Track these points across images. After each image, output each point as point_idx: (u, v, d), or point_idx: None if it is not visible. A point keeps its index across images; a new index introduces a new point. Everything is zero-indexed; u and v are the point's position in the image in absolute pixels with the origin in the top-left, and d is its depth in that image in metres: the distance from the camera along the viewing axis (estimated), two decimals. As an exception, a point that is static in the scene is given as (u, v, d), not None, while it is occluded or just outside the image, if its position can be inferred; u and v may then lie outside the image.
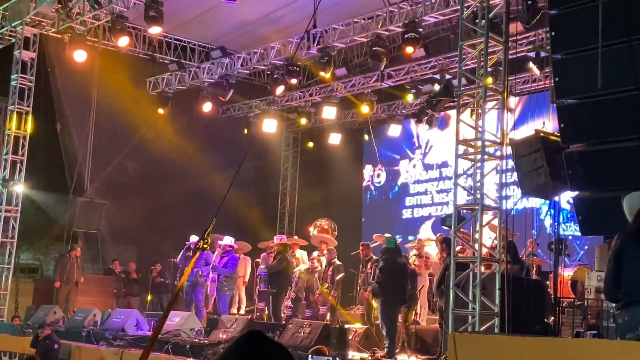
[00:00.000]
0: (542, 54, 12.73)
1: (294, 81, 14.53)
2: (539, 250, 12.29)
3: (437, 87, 14.53)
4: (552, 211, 9.87)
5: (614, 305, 7.26)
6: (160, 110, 16.93)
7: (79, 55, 14.51)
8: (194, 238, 13.75)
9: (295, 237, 15.64)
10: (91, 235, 16.49)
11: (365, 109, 16.72)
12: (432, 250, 13.04)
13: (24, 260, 17.25)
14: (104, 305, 14.47)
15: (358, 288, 12.52)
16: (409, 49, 12.75)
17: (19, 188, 15.14)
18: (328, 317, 12.97)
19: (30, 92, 15.29)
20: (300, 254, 14.44)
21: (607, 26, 6.47)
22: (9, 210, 15.05)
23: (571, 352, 4.69)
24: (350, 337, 10.48)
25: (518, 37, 10.75)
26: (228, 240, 13.81)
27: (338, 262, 13.20)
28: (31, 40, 15.22)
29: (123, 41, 14.23)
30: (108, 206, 16.22)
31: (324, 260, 13.73)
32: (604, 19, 6.45)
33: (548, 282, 10.14)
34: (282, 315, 13.08)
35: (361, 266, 12.74)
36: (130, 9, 13.85)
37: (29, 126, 15.25)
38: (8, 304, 14.92)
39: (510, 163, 9.38)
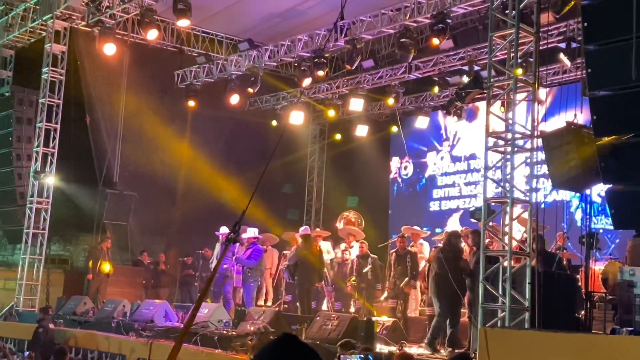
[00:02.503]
0: (573, 45, 12.53)
1: (320, 73, 14.49)
2: (570, 244, 12.13)
3: (465, 78, 14.39)
4: (583, 204, 9.72)
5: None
6: (191, 103, 17.00)
7: (108, 49, 14.65)
8: (223, 229, 13.83)
9: (318, 229, 15.65)
10: (120, 226, 16.66)
11: (391, 101, 16.68)
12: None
13: (54, 251, 17.48)
14: (133, 297, 14.62)
15: (394, 280, 12.39)
16: (437, 41, 12.65)
17: (50, 180, 15.33)
18: (353, 310, 12.97)
19: (60, 85, 15.46)
20: (325, 245, 14.45)
21: (642, 16, 6.34)
22: (40, 202, 15.25)
23: (607, 349, 4.61)
24: (377, 330, 10.45)
25: (549, 28, 10.59)
26: (251, 232, 13.84)
27: (374, 256, 13.20)
28: (61, 34, 15.38)
29: (152, 34, 14.32)
30: (137, 198, 16.36)
31: (352, 252, 13.74)
32: (638, 8, 6.32)
33: (579, 276, 10.00)
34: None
35: (395, 257, 12.61)
36: (158, 2, 13.94)
37: (60, 119, 15.44)
38: (40, 294, 15.15)
39: (541, 155, 9.26)
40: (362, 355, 6.48)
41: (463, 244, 10.93)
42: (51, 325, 12.40)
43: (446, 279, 10.03)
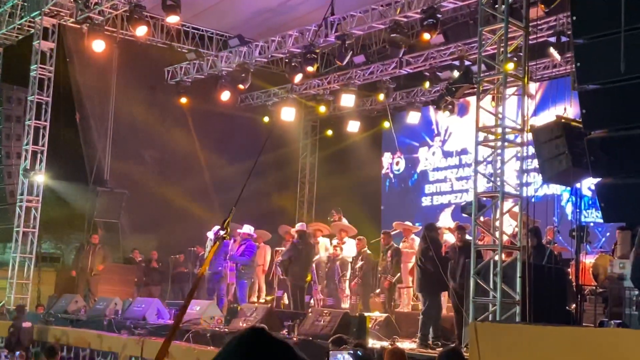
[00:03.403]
0: (563, 39, 12.56)
1: (310, 69, 14.46)
2: (560, 238, 12.18)
3: (456, 73, 14.40)
4: (574, 198, 9.75)
5: (637, 292, 7.17)
6: (183, 100, 16.93)
7: (98, 45, 14.58)
8: (216, 229, 13.79)
9: (319, 224, 15.61)
10: (111, 224, 16.60)
11: (382, 96, 16.70)
12: (451, 238, 12.96)
13: (45, 249, 17.44)
14: (125, 294, 14.57)
15: (379, 276, 12.49)
16: (428, 36, 12.65)
17: (40, 178, 15.26)
18: (347, 306, 12.97)
19: (49, 83, 15.38)
20: (324, 241, 14.46)
21: (630, 9, 6.34)
22: (30, 201, 15.19)
23: (595, 342, 4.63)
24: (370, 326, 10.46)
25: (538, 22, 10.60)
26: (247, 228, 13.83)
27: (368, 252, 13.22)
28: (50, 31, 15.30)
29: (141, 31, 14.25)
30: (128, 195, 16.31)
31: (345, 248, 13.73)
32: (626, 1, 6.32)
33: (569, 270, 10.04)
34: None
35: (382, 254, 12.72)
36: (147, -2, 13.87)
37: (49, 116, 15.36)
38: (31, 293, 15.10)
39: (531, 150, 9.28)
40: (352, 351, 6.47)
41: (453, 238, 10.94)
42: (26, 324, 12.40)
43: (428, 273, 10.06)
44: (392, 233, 13.04)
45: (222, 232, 4.43)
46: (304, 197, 20.47)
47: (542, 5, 10.80)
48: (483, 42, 9.21)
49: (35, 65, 15.21)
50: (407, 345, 10.19)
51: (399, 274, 12.33)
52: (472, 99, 16.65)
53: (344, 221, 14.57)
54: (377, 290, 12.86)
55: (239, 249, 13.73)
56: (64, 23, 15.32)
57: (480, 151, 9.12)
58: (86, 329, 12.42)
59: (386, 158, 19.89)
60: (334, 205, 16.08)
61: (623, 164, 6.70)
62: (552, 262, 10.01)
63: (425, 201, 18.65)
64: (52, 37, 15.34)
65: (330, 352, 6.68)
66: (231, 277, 13.90)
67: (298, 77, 15.23)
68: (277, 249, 14.88)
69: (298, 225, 14.20)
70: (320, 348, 8.79)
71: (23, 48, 16.07)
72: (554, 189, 14.26)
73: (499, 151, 8.84)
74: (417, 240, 13.55)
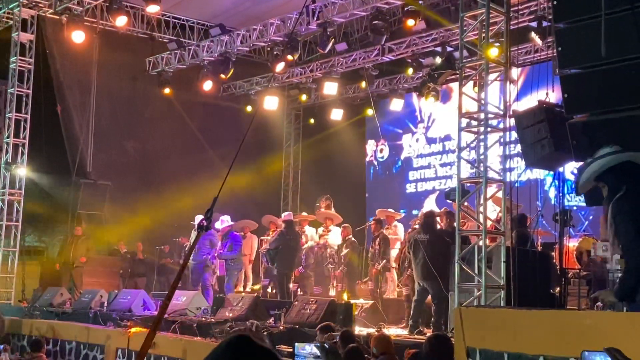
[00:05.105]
0: (544, 24, 12.58)
1: (290, 57, 14.40)
2: (544, 222, 12.26)
3: (438, 60, 14.40)
4: (557, 182, 9.81)
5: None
6: (167, 90, 16.80)
7: (77, 36, 14.44)
8: (199, 218, 13.74)
9: (304, 214, 15.63)
10: (95, 216, 16.51)
11: (364, 84, 16.69)
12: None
13: (29, 243, 17.31)
14: (110, 286, 14.52)
15: (368, 263, 12.52)
16: (410, 22, 12.63)
17: (22, 171, 15.13)
18: (333, 293, 13.02)
19: (29, 75, 15.22)
20: (310, 230, 14.47)
21: (611, -7, 6.36)
22: (13, 194, 15.06)
23: (580, 324, 4.66)
24: (356, 313, 10.50)
25: (519, 7, 10.61)
26: (225, 221, 13.70)
27: (354, 239, 13.25)
28: (29, 22, 15.12)
29: (121, 21, 14.13)
30: (111, 187, 16.22)
31: (331, 235, 13.77)
32: (606, -14, 6.33)
33: (553, 253, 10.12)
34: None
35: (370, 241, 12.73)
36: (127, -13, 13.74)
37: (30, 109, 15.22)
38: (15, 287, 15.00)
39: (514, 135, 9.32)
40: (318, 344, 6.59)
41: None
42: None
43: (435, 261, 9.93)
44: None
45: (205, 222, 4.41)
46: (289, 186, 20.45)
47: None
48: (465, 28, 9.21)
49: (15, 58, 15.03)
50: (393, 331, 10.25)
51: (384, 261, 12.37)
52: (454, 85, 16.67)
53: (333, 210, 14.61)
54: (366, 279, 12.89)
55: (226, 244, 13.67)
56: (43, 14, 15.14)
57: (463, 137, 9.15)
58: (72, 322, 12.37)
59: (370, 145, 19.90)
60: (318, 194, 16.11)
61: (605, 147, 6.73)
62: (532, 247, 10.09)
63: (410, 188, 18.70)
64: (31, 29, 15.15)
65: (297, 344, 6.80)
66: (221, 271, 13.89)
67: (280, 66, 15.19)
68: (263, 238, 14.87)
69: (285, 215, 14.18)
70: (308, 336, 8.81)
71: (1, 40, 15.87)
72: (537, 173, 14.36)
73: (482, 137, 8.87)
74: (400, 226, 13.63)
